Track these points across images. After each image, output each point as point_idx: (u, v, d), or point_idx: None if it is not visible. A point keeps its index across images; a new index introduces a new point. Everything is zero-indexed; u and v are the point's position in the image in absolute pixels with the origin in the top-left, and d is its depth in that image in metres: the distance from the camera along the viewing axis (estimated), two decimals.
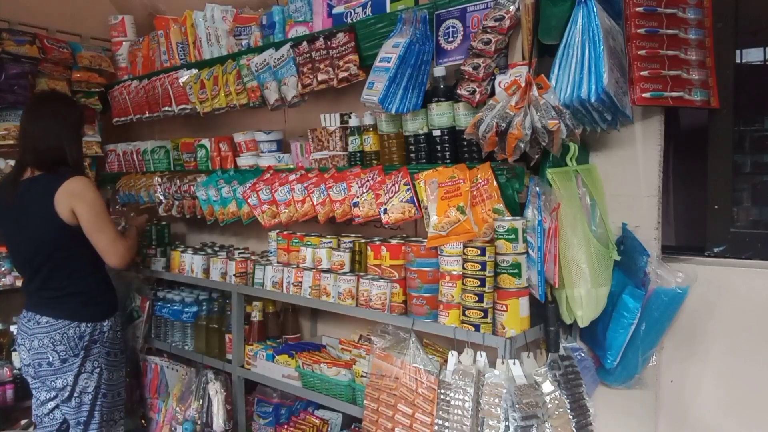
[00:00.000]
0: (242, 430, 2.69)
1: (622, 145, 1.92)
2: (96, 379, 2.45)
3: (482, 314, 1.84)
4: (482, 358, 1.85)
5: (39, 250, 2.42)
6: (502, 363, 1.79)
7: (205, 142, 2.99)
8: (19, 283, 3.13)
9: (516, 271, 1.83)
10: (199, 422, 2.68)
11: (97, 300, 2.50)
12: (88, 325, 2.43)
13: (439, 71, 2.05)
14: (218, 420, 2.63)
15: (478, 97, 1.88)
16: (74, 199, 2.36)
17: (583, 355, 1.95)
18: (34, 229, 2.40)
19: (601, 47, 1.64)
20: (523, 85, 1.73)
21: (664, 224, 1.93)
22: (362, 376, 2.19)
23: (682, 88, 1.77)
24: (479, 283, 1.83)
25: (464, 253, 1.87)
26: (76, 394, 2.42)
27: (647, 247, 1.83)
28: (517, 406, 1.71)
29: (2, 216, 2.48)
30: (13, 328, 3.10)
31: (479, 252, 1.83)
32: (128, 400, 3.16)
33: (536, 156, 1.77)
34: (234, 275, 2.68)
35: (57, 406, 2.45)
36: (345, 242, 2.45)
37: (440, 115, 2.03)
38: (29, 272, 2.49)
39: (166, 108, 3.09)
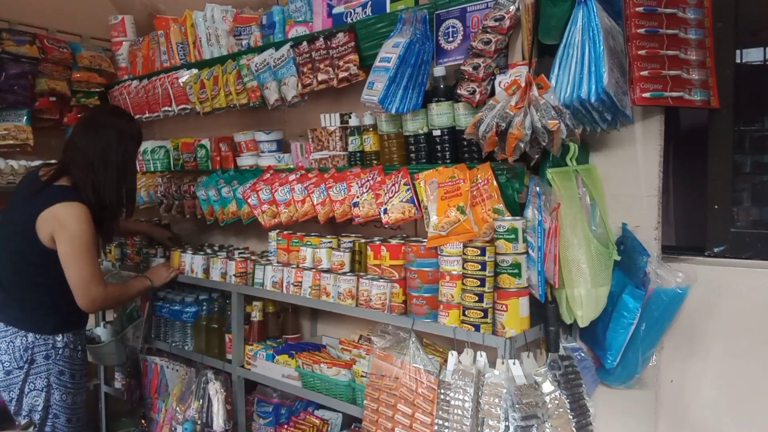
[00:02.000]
0: (242, 430, 2.69)
1: (622, 145, 1.92)
2: (44, 398, 2.26)
3: (482, 314, 1.84)
4: (482, 358, 1.85)
5: (10, 255, 2.31)
6: (502, 363, 1.79)
7: (205, 142, 2.99)
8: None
9: (516, 271, 1.83)
10: (199, 422, 2.68)
11: (52, 312, 2.29)
12: (37, 336, 2.24)
13: (439, 71, 2.05)
14: (218, 420, 2.62)
15: (478, 97, 1.88)
16: (56, 225, 2.18)
17: (583, 355, 1.95)
18: (13, 237, 2.29)
19: (601, 47, 1.64)
20: (523, 85, 1.73)
21: (664, 224, 1.93)
22: (362, 376, 2.19)
23: (682, 88, 1.77)
24: (479, 283, 1.83)
25: (464, 253, 1.87)
26: (24, 412, 2.26)
27: (647, 247, 1.83)
28: (517, 406, 1.71)
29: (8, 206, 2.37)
30: None
31: (479, 252, 1.83)
32: (128, 400, 3.17)
33: (536, 156, 1.77)
34: (234, 275, 2.68)
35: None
36: (345, 242, 2.45)
37: (440, 115, 2.03)
38: None
39: (166, 108, 3.09)
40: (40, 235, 2.21)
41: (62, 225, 2.19)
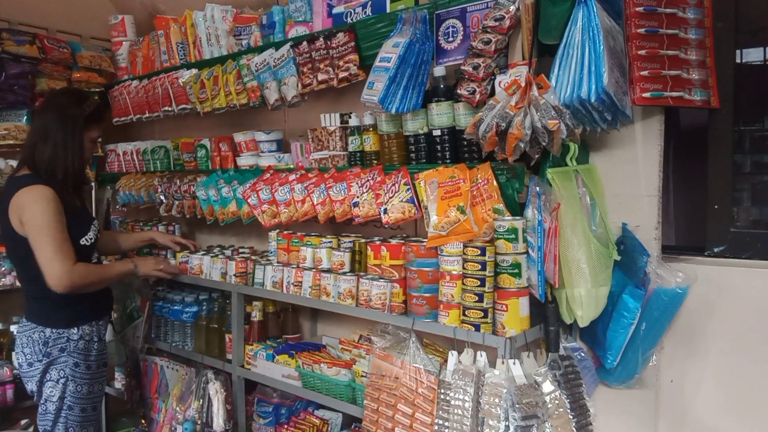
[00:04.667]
0: (242, 430, 2.69)
1: (622, 145, 1.92)
2: (61, 389, 2.31)
3: (482, 314, 1.84)
4: (482, 358, 1.85)
5: (9, 255, 2.41)
6: (502, 363, 1.79)
7: (205, 142, 3.00)
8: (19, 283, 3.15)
9: (516, 270, 1.83)
10: (199, 422, 2.68)
11: (65, 306, 2.32)
12: (53, 331, 2.30)
13: (439, 71, 2.05)
14: (218, 420, 2.63)
15: (478, 96, 1.88)
16: (20, 212, 2.23)
17: (583, 355, 1.95)
18: (4, 237, 2.34)
19: (601, 47, 1.64)
20: (523, 84, 1.73)
21: (664, 224, 1.93)
22: (362, 376, 2.19)
23: (682, 88, 1.77)
24: (479, 282, 1.83)
25: (464, 253, 1.87)
26: (41, 401, 2.34)
27: (647, 247, 1.83)
28: (517, 406, 1.71)
29: None
30: (13, 328, 3.11)
31: (479, 252, 1.83)
32: (128, 400, 3.17)
33: (536, 156, 1.77)
34: (234, 275, 2.68)
35: None
36: (345, 242, 2.45)
37: (440, 114, 2.03)
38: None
39: (166, 108, 3.09)
40: (14, 226, 2.25)
41: (24, 210, 2.22)
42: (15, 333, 2.42)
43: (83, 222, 2.42)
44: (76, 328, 2.35)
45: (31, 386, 2.36)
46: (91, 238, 2.42)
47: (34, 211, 2.21)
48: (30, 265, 2.27)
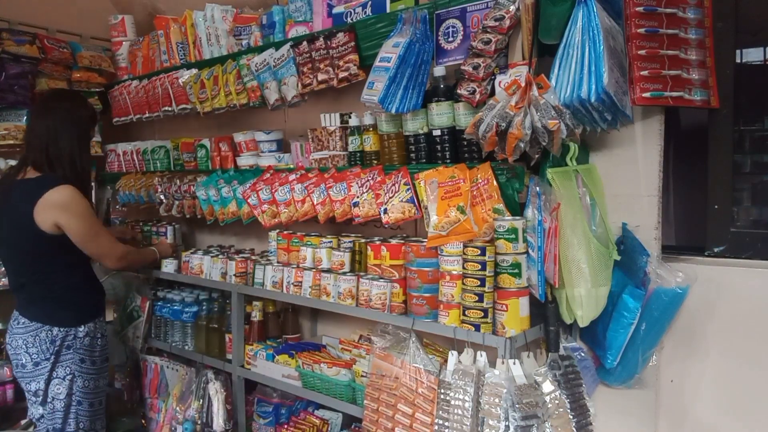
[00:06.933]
0: (242, 430, 2.69)
1: (622, 145, 1.92)
2: (68, 386, 2.37)
3: (482, 314, 1.84)
4: (482, 357, 1.85)
5: (16, 255, 2.41)
6: (502, 363, 1.79)
7: (205, 142, 3.00)
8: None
9: (516, 270, 1.83)
10: (199, 422, 2.68)
11: (72, 305, 2.42)
12: (61, 329, 2.35)
13: (439, 71, 2.05)
14: (218, 420, 2.63)
15: (478, 96, 1.88)
16: (58, 212, 2.29)
17: (583, 354, 1.95)
18: (12, 234, 2.36)
19: (601, 47, 1.64)
20: (523, 84, 1.73)
21: (664, 224, 1.93)
22: (362, 376, 2.19)
23: (682, 88, 1.77)
24: (479, 282, 1.83)
25: (464, 253, 1.87)
26: (48, 399, 2.37)
27: (647, 246, 1.83)
28: (517, 405, 1.71)
29: None
30: None
31: (479, 252, 1.83)
32: (128, 400, 3.18)
33: (536, 156, 1.77)
34: (234, 275, 2.68)
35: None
36: (345, 242, 2.45)
37: (440, 114, 2.03)
38: (11, 273, 2.48)
39: (166, 108, 3.09)
40: (42, 226, 2.29)
41: (64, 209, 2.30)
42: (13, 332, 2.39)
43: None
44: (82, 326, 2.41)
45: (36, 385, 2.37)
46: None
47: (79, 208, 2.34)
48: (41, 264, 2.37)
